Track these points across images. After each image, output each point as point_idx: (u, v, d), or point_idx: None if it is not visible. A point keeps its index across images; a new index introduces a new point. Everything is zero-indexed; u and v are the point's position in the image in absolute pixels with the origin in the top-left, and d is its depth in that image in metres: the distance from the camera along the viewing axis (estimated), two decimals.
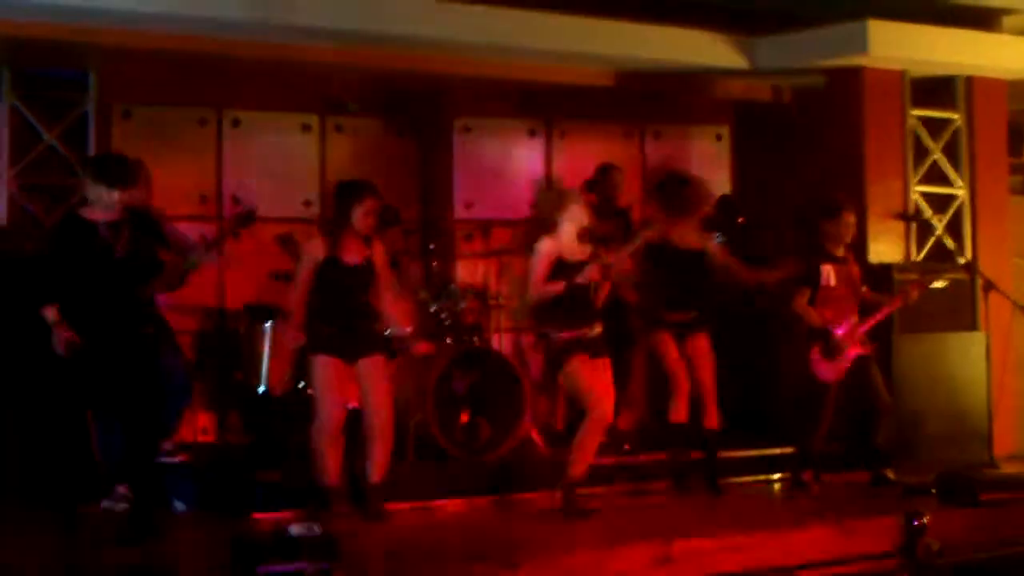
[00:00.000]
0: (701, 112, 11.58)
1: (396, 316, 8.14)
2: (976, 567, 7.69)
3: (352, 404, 7.95)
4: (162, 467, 7.90)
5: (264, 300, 9.17)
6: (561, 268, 7.93)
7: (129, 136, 9.49)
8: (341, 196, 7.88)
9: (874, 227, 10.25)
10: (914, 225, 10.49)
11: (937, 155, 10.73)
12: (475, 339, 9.28)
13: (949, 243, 10.68)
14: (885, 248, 10.33)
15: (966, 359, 10.32)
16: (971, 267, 10.25)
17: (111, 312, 7.15)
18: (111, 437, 7.78)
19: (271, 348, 8.89)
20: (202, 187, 10.02)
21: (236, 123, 10.19)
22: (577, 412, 8.29)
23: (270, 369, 8.86)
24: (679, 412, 8.76)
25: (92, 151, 9.02)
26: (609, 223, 9.26)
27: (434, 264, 9.72)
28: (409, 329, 8.37)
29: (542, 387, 9.54)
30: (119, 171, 7.26)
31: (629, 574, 6.81)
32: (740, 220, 10.35)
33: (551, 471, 8.19)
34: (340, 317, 7.77)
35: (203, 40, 8.96)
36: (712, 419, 8.86)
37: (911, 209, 10.49)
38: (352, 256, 7.80)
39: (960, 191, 10.82)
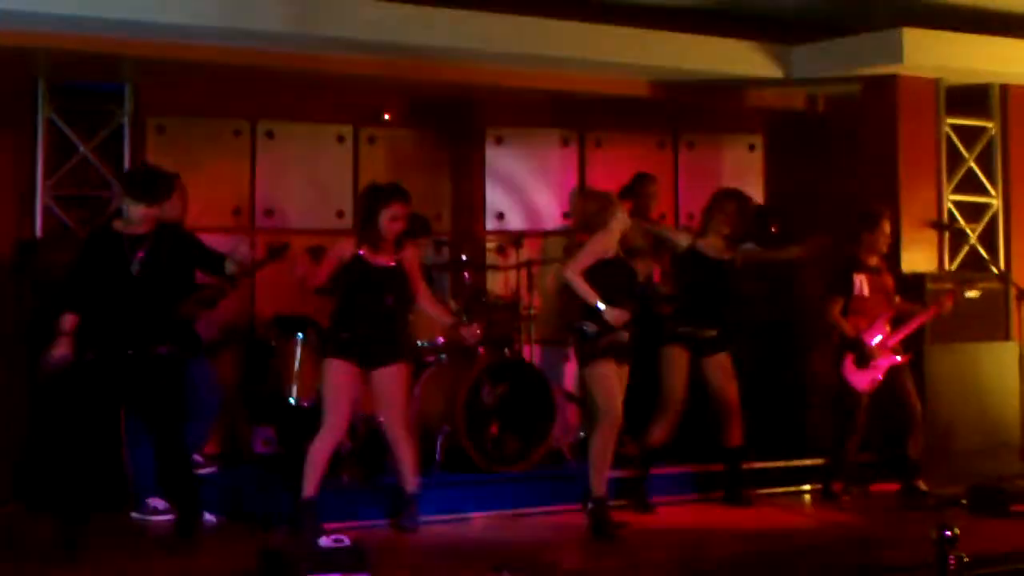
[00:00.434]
0: (734, 121, 11.53)
1: (436, 311, 8.17)
2: None
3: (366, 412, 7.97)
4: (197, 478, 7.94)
5: (295, 311, 9.19)
6: (601, 266, 7.95)
7: (163, 148, 9.52)
8: (368, 199, 7.88)
9: (907, 236, 10.17)
10: (947, 234, 10.42)
11: (971, 164, 10.67)
12: (506, 350, 9.29)
13: (982, 252, 10.62)
14: (918, 257, 10.25)
15: (998, 369, 10.24)
16: (1004, 277, 10.19)
17: (123, 328, 7.12)
18: (140, 450, 7.87)
19: (301, 359, 8.92)
20: (236, 199, 10.04)
21: (270, 135, 10.18)
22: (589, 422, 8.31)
23: (300, 380, 8.89)
24: (659, 435, 8.71)
25: (127, 163, 9.11)
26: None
27: (465, 275, 9.76)
28: (450, 320, 8.33)
29: (573, 398, 9.55)
30: (147, 185, 7.26)
31: None
32: (773, 229, 10.32)
33: (579, 485, 8.18)
34: (363, 321, 7.73)
35: (238, 52, 8.96)
36: (736, 437, 8.87)
37: (945, 218, 10.44)
38: (381, 258, 7.79)
39: (994, 200, 10.75)
